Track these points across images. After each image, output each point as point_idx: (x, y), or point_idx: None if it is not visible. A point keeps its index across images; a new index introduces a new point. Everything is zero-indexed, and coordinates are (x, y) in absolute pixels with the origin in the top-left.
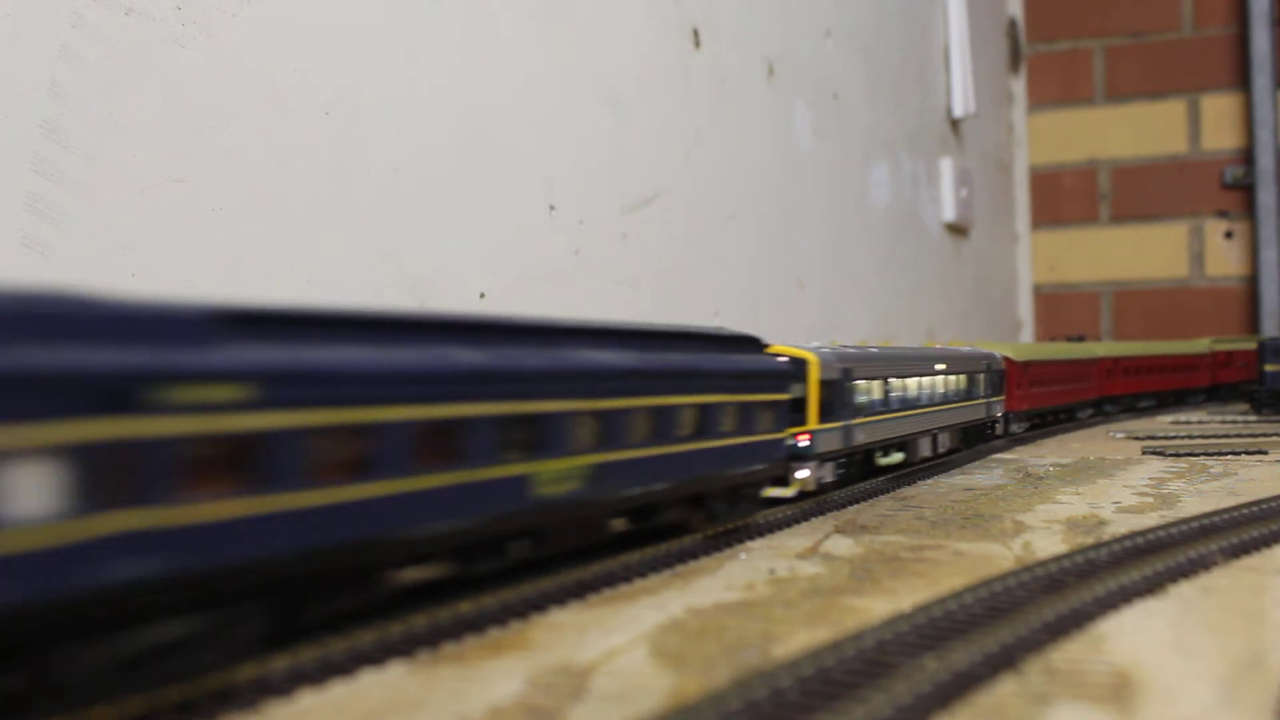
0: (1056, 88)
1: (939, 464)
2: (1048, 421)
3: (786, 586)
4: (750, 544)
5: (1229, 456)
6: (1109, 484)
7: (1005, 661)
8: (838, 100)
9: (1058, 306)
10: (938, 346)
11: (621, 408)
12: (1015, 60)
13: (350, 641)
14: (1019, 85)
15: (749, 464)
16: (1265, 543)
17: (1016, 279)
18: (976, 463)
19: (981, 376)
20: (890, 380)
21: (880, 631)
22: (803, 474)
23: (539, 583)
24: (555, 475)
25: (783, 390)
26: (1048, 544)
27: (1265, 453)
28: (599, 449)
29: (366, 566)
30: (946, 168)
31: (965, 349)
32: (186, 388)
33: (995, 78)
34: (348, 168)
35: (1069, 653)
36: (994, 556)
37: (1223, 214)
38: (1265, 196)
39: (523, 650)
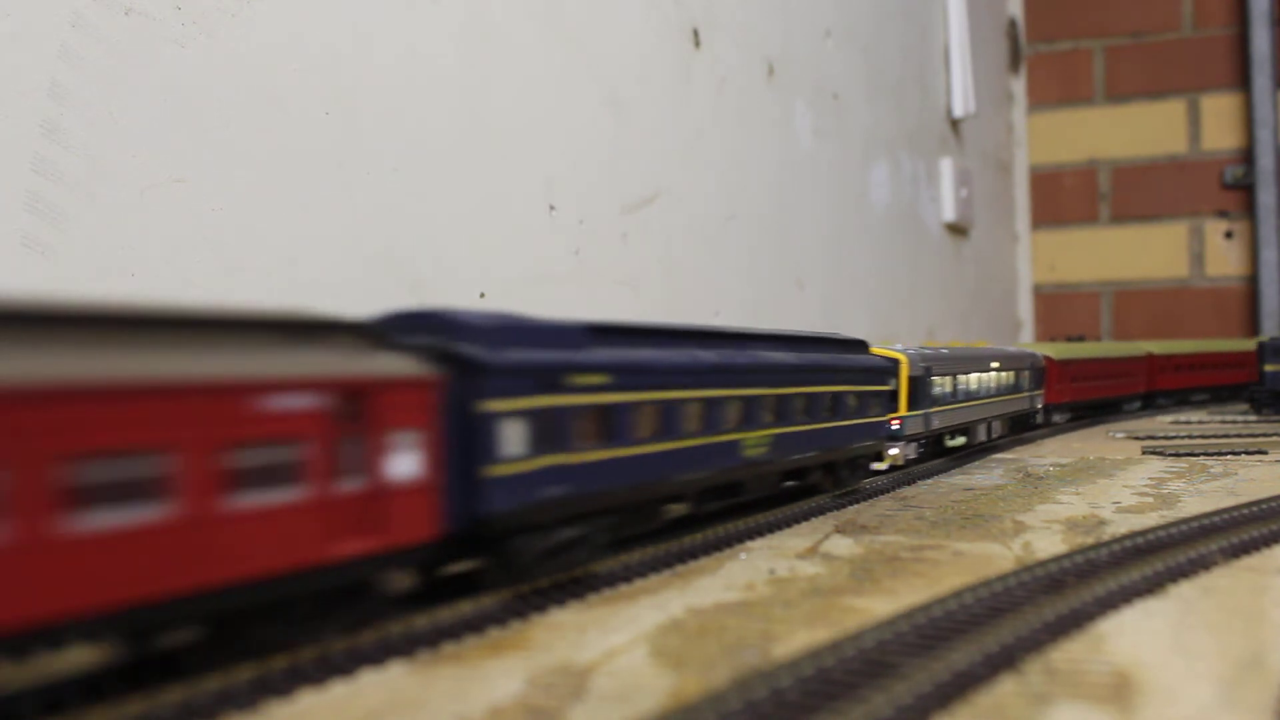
0: (1056, 88)
1: (940, 464)
2: (1096, 411)
3: (786, 586)
4: (750, 544)
5: (1229, 456)
6: (1109, 484)
7: (1005, 661)
8: (838, 100)
9: (1057, 306)
10: (989, 347)
11: (789, 394)
12: (1015, 60)
13: (350, 641)
14: (1019, 85)
15: (864, 440)
16: (1265, 543)
17: (1016, 279)
18: (976, 462)
19: (1026, 373)
20: (958, 376)
21: (880, 631)
22: (894, 451)
23: (537, 582)
24: (754, 442)
25: (885, 383)
26: (1048, 544)
27: (1265, 453)
28: (777, 424)
29: (655, 501)
30: (946, 168)
31: (1013, 349)
32: (581, 375)
33: (995, 78)
34: (348, 168)
35: (1069, 653)
36: (994, 556)
37: (1223, 214)
38: (1265, 196)
39: (523, 650)
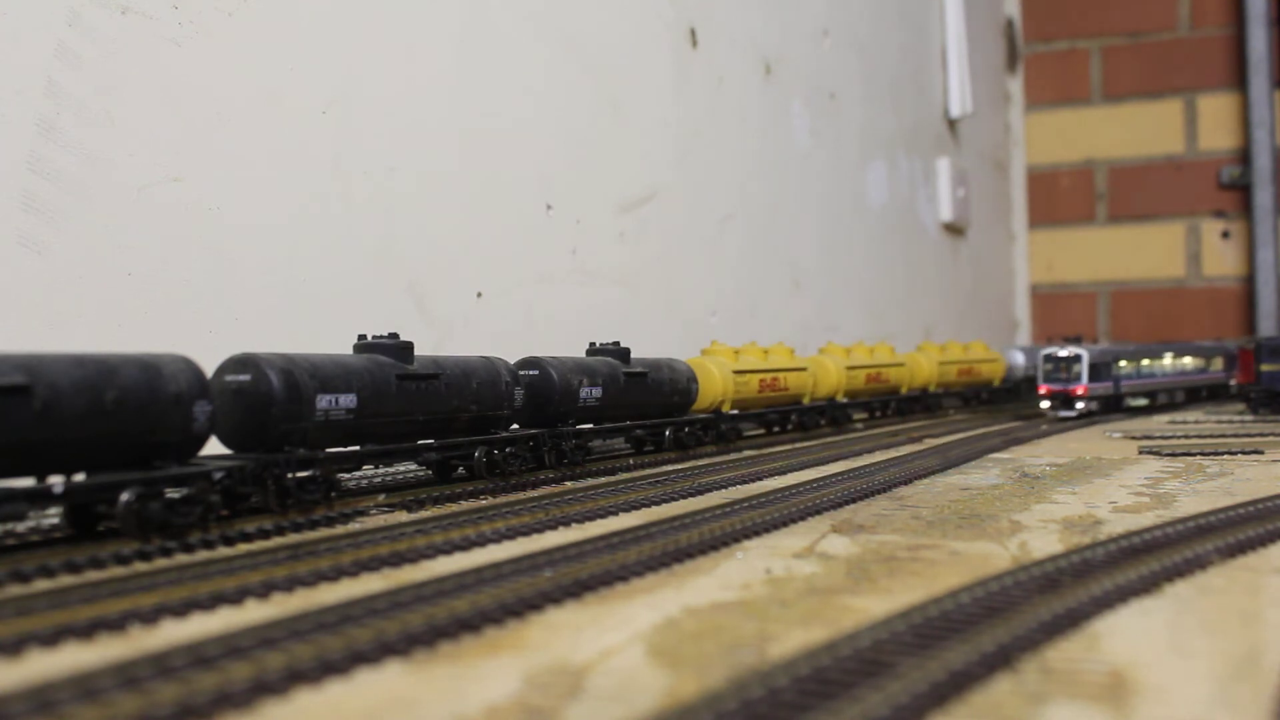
0: (1053, 87)
1: (937, 464)
2: None
3: (783, 586)
4: (747, 543)
5: (1225, 456)
6: (1105, 484)
7: (1001, 661)
8: (834, 100)
9: (1054, 306)
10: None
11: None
12: (1012, 60)
13: (347, 640)
14: (1016, 85)
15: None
16: (1262, 542)
17: (1013, 279)
18: (973, 462)
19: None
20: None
21: (877, 631)
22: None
23: (535, 581)
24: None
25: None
26: (1044, 543)
27: (1261, 452)
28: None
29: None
30: (943, 167)
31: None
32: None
33: (992, 77)
34: (345, 167)
35: (1065, 652)
36: (990, 556)
37: (1219, 214)
38: (1262, 196)
39: (519, 649)
